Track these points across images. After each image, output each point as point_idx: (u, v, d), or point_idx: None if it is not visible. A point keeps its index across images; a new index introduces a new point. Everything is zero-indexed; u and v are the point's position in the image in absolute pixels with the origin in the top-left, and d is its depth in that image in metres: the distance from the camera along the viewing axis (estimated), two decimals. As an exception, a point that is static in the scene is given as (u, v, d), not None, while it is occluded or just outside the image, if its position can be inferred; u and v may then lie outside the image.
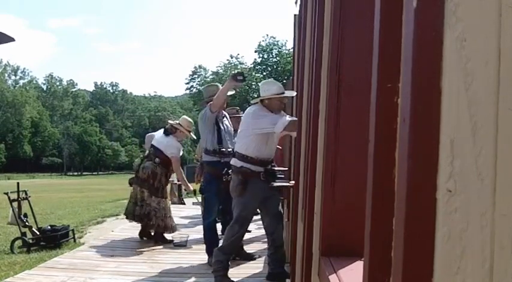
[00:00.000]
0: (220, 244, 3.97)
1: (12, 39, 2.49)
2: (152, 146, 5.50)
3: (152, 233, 5.60)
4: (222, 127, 4.45)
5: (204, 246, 4.68)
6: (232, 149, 4.07)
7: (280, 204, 4.19)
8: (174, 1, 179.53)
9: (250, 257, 4.61)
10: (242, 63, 48.81)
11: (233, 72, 4.20)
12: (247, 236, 5.05)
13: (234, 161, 3.75)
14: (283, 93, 3.82)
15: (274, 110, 3.75)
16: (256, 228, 6.11)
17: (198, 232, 5.51)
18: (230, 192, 3.79)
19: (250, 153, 3.67)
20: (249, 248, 4.96)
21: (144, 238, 5.59)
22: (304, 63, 2.87)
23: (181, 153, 5.60)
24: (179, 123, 5.49)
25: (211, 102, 4.37)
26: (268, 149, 3.74)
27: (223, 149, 4.35)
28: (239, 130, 3.88)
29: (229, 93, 4.53)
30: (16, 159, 67.31)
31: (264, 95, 3.75)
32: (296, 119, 3.53)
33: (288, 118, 3.64)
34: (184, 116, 5.87)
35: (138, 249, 5.23)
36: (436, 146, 0.53)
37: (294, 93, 4.12)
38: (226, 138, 4.42)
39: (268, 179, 3.69)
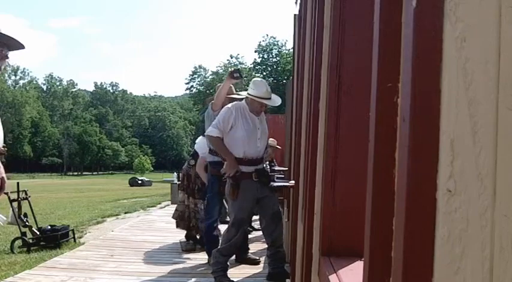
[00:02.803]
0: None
1: (22, 47, 2.51)
2: None
3: (198, 236, 5.36)
4: None
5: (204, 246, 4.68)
6: None
7: (279, 204, 4.18)
8: (174, 1, 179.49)
9: (255, 263, 4.51)
10: (242, 63, 48.89)
11: (230, 69, 4.14)
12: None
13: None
14: (269, 99, 3.75)
15: (254, 111, 3.74)
16: (256, 228, 6.10)
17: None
18: (225, 195, 3.78)
19: (236, 154, 3.65)
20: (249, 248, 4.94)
21: (190, 241, 5.34)
22: (304, 63, 2.87)
23: None
24: None
25: (212, 101, 4.37)
26: (254, 147, 3.68)
27: None
28: None
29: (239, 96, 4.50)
30: (16, 159, 67.29)
31: (249, 92, 3.75)
32: (219, 142, 3.63)
33: (214, 133, 3.66)
34: None
35: (138, 249, 5.23)
36: (436, 145, 0.53)
37: (279, 103, 3.97)
38: None
39: (260, 178, 3.67)
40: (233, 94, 4.51)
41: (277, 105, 4.00)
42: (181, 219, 5.33)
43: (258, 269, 4.31)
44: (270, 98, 3.78)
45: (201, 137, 5.33)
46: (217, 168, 4.29)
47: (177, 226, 5.39)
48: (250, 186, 3.63)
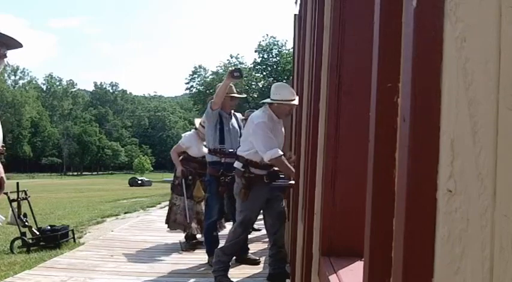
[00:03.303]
0: (221, 244, 3.96)
1: (20, 45, 2.50)
2: None
3: (197, 236, 5.37)
4: (226, 127, 4.38)
5: (203, 246, 4.67)
6: (234, 150, 4.03)
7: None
8: (174, 1, 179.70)
9: (255, 263, 4.48)
10: (242, 63, 48.93)
11: (230, 69, 4.11)
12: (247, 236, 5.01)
13: (237, 164, 3.74)
14: (294, 99, 3.69)
15: (282, 115, 3.72)
16: (256, 229, 6.09)
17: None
18: (234, 194, 3.78)
19: (252, 157, 3.64)
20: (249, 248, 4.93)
21: (191, 241, 5.34)
22: (304, 63, 2.87)
23: (203, 149, 5.12)
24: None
25: (212, 100, 4.35)
26: None
27: (224, 149, 4.30)
28: (243, 132, 3.86)
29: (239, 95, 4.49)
30: (16, 159, 67.27)
31: (274, 98, 3.66)
32: (284, 163, 3.56)
33: (278, 152, 3.56)
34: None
35: (137, 249, 5.23)
36: (436, 145, 0.53)
37: None
38: (230, 139, 4.34)
39: (271, 181, 3.69)
40: (233, 93, 4.50)
41: None
42: (167, 216, 5.42)
43: (258, 269, 4.30)
44: (295, 99, 3.73)
45: (190, 132, 5.37)
46: (215, 168, 4.28)
47: (166, 222, 5.48)
48: (261, 187, 3.64)
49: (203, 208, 5.21)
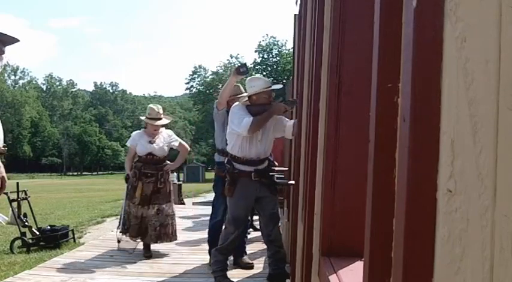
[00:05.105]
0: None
1: (16, 40, 2.50)
2: None
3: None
4: None
5: (203, 246, 4.65)
6: None
7: (279, 204, 4.17)
8: (174, 1, 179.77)
9: (248, 267, 4.39)
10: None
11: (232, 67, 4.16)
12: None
13: (226, 161, 3.77)
14: (270, 86, 3.77)
15: (264, 104, 3.74)
16: (257, 229, 6.09)
17: (197, 232, 5.50)
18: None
19: (236, 152, 3.66)
20: (249, 248, 4.92)
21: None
22: (304, 63, 2.87)
23: (148, 145, 4.95)
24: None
25: (217, 100, 4.32)
26: (255, 149, 3.67)
27: None
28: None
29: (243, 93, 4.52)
30: (16, 159, 67.22)
31: (251, 91, 3.71)
32: (257, 117, 3.56)
33: (250, 118, 3.54)
34: (149, 105, 5.35)
35: (137, 249, 5.22)
36: (436, 145, 0.53)
37: (280, 85, 4.36)
38: None
39: (260, 179, 3.67)
40: (242, 94, 4.38)
41: (280, 87, 4.28)
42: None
43: (258, 269, 4.30)
44: (270, 86, 3.80)
45: (139, 131, 5.26)
46: (221, 169, 4.25)
47: None
48: (247, 184, 3.63)
49: (148, 212, 4.91)
